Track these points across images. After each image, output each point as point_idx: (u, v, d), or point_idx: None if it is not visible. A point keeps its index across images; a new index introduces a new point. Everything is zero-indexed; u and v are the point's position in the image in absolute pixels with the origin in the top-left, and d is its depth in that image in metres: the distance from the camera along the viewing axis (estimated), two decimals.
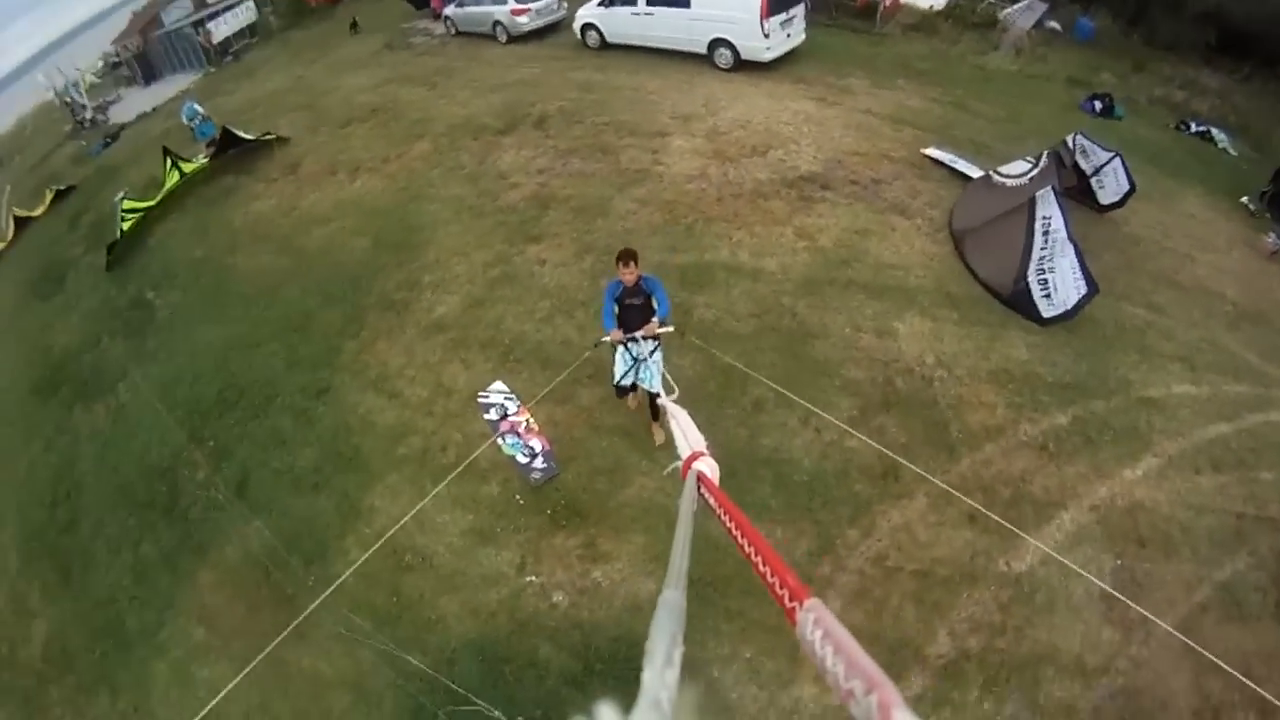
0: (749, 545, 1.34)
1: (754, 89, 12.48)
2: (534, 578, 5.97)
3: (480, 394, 7.24)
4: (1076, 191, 8.82)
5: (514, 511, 6.39)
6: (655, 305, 5.49)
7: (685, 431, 2.30)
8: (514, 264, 8.72)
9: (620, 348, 5.75)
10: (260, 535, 6.84)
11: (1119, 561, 5.81)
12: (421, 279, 8.87)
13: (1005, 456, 6.30)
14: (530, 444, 6.72)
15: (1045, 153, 8.30)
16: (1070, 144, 8.68)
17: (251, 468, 7.45)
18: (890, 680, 0.79)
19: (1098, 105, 13.07)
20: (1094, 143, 8.72)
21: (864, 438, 6.01)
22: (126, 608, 7.05)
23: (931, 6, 16.92)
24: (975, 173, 9.08)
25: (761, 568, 1.26)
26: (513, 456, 6.66)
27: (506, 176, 10.51)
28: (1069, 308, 7.17)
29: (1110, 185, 8.70)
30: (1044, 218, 7.49)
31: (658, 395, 5.67)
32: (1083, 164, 8.70)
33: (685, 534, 1.48)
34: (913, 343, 7.06)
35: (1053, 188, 7.58)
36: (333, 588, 5.16)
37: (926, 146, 9.94)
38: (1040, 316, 7.27)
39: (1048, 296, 7.26)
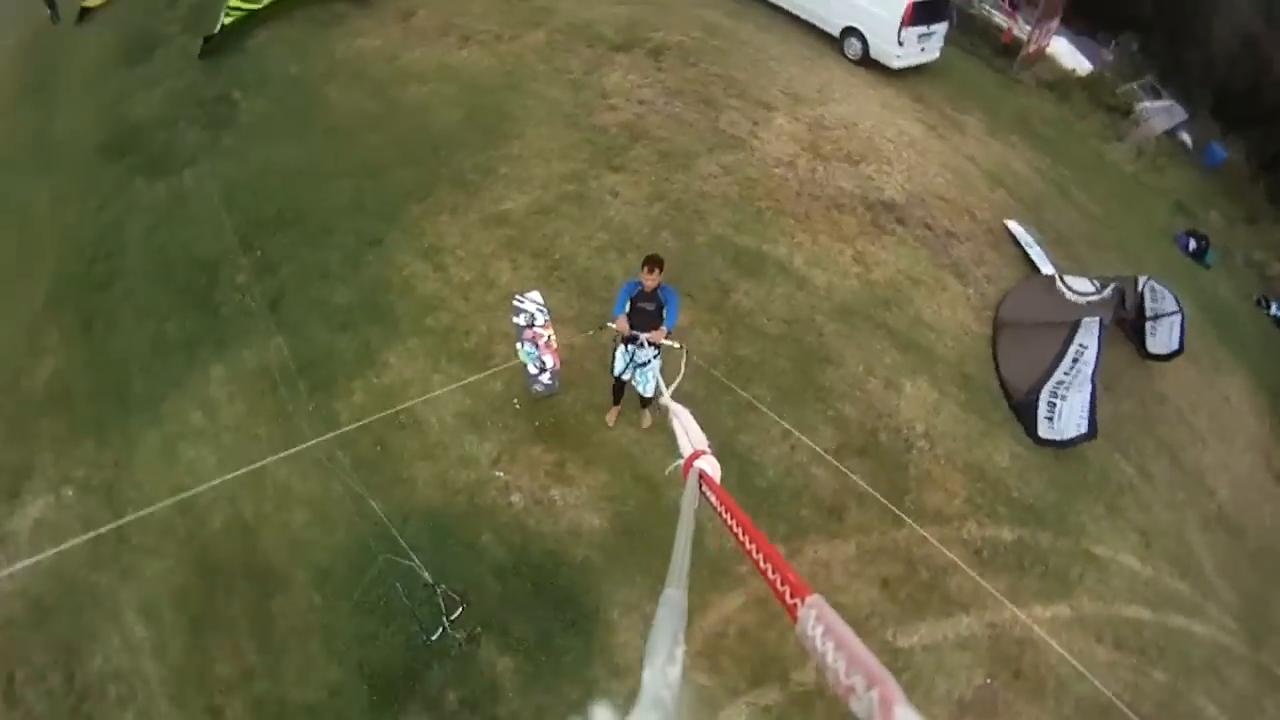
0: (750, 543, 1.40)
1: (871, 91, 12.20)
2: (502, 474, 6.63)
3: (517, 296, 7.67)
4: (1129, 328, 8.77)
5: (507, 412, 6.99)
6: (665, 315, 5.67)
7: (687, 430, 2.50)
8: (588, 186, 8.97)
9: (621, 346, 6.00)
10: (279, 351, 7.43)
11: (989, 680, 6.19)
12: (498, 169, 9.15)
13: (941, 543, 6.57)
14: (544, 358, 7.22)
15: (1112, 284, 8.29)
16: (1140, 285, 8.58)
17: (289, 289, 7.98)
18: (891, 676, 0.84)
19: (1192, 244, 12.59)
20: (1166, 289, 8.59)
21: (838, 465, 6.40)
22: (136, 373, 7.72)
23: (1074, 71, 16.15)
24: (1045, 266, 9.06)
25: (763, 565, 1.31)
26: (525, 364, 7.21)
27: (608, 96, 10.55)
28: (1064, 439, 7.33)
29: (1162, 337, 8.60)
30: (1080, 345, 7.67)
31: (650, 400, 6.09)
32: (1147, 303, 8.62)
33: (687, 533, 1.58)
34: (912, 406, 7.35)
35: (1101, 320, 7.69)
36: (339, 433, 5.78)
37: (1012, 217, 9.86)
38: (1036, 434, 7.44)
39: (1050, 420, 7.43)
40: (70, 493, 7.09)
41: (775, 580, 1.23)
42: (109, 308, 8.39)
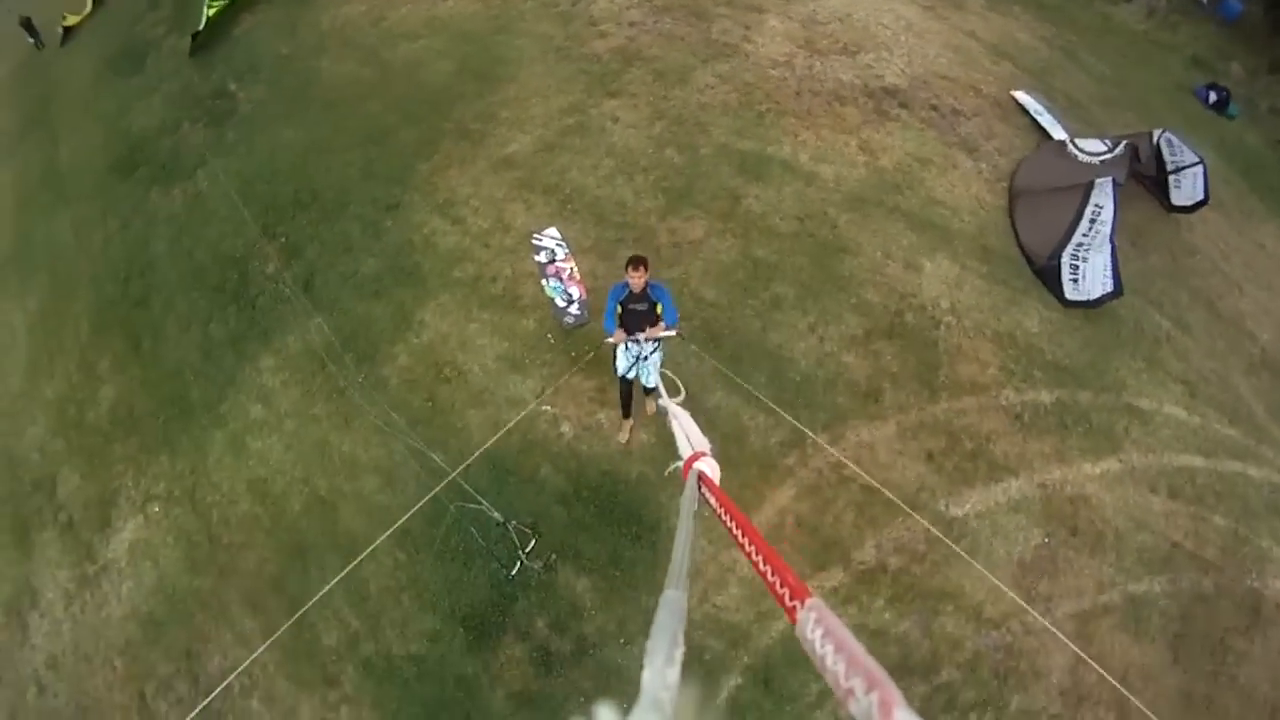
0: (750, 545, 1.39)
1: None
2: (549, 408, 6.95)
3: (535, 235, 7.87)
4: (1151, 183, 8.62)
5: (543, 348, 7.27)
6: (661, 312, 5.63)
7: (687, 432, 2.44)
8: (589, 115, 9.01)
9: (621, 346, 5.96)
10: (320, 331, 7.77)
11: (1047, 539, 6.36)
12: (499, 113, 9.23)
13: (980, 413, 6.80)
14: (570, 290, 7.46)
15: (1124, 142, 8.12)
16: (1154, 139, 8.37)
17: (318, 268, 8.27)
18: (891, 679, 0.82)
19: (1212, 96, 12.01)
20: (1183, 143, 8.38)
21: None
22: (191, 381, 8.13)
23: None
24: (1057, 132, 8.91)
25: (762, 567, 1.29)
26: (552, 299, 7.43)
27: (597, 24, 10.47)
28: (1092, 298, 7.37)
29: (1186, 188, 8.42)
30: (1096, 206, 7.62)
31: (653, 389, 6.09)
32: (1166, 157, 8.42)
33: (687, 534, 1.54)
34: (934, 283, 7.43)
35: (1114, 180, 7.60)
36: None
37: (1019, 88, 9.65)
38: (1064, 296, 7.49)
39: (1075, 281, 7.46)
40: (156, 509, 7.62)
41: (775, 582, 1.21)
42: (152, 323, 8.76)
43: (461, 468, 5.96)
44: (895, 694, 0.80)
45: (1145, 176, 8.55)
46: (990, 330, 7.24)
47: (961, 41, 10.32)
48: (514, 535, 6.54)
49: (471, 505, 6.61)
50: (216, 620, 7.02)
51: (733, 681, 6.03)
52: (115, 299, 9.20)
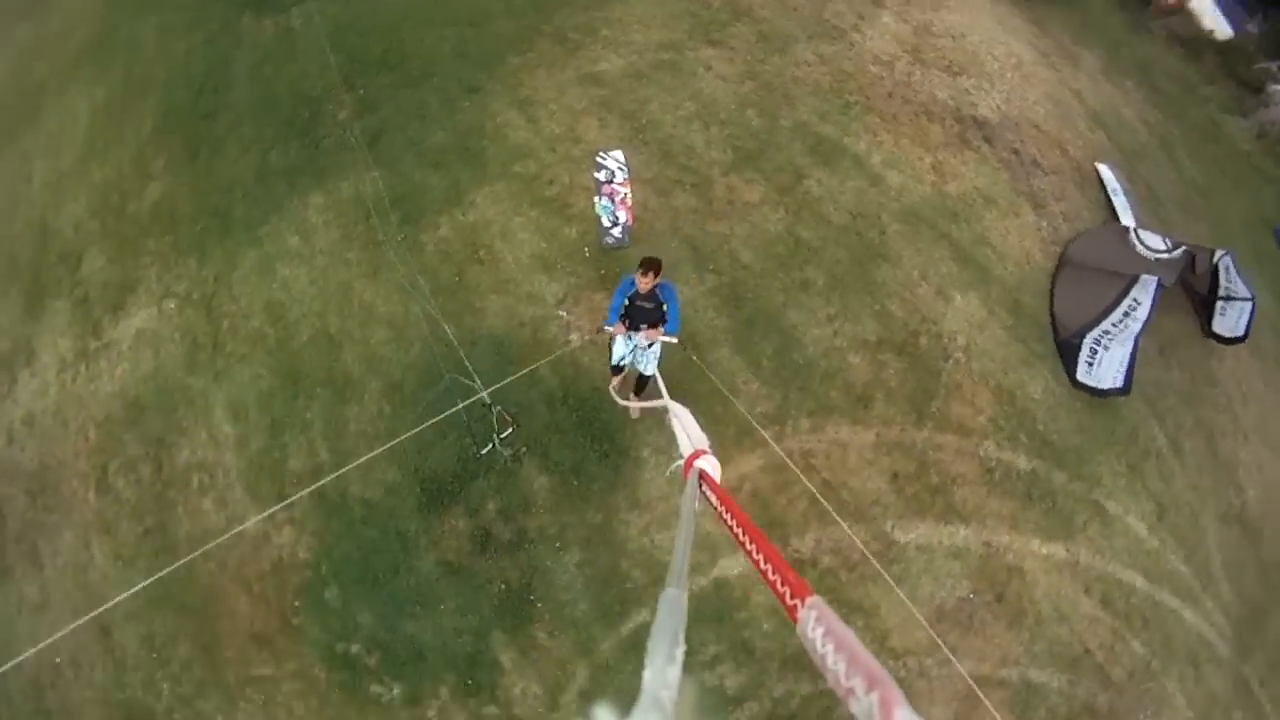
0: (751, 543, 1.38)
1: (989, 5, 11.65)
2: (565, 314, 7.20)
3: (600, 153, 8.01)
4: (1199, 301, 8.59)
5: (577, 258, 7.48)
6: (665, 314, 5.60)
7: (687, 430, 2.53)
8: (684, 56, 9.05)
9: (621, 337, 5.96)
10: (375, 185, 7.96)
11: (972, 596, 6.56)
12: (599, 30, 9.27)
13: (956, 454, 6.96)
14: (618, 214, 7.63)
15: (1185, 249, 8.08)
16: (1214, 258, 8.29)
17: (388, 127, 8.44)
18: (892, 679, 0.83)
19: None
20: (1240, 276, 8.27)
21: None
22: (239, 199, 8.37)
23: (1213, 32, 14.84)
24: (1126, 216, 8.87)
25: (763, 565, 1.29)
26: (599, 216, 7.61)
27: None
28: (1100, 387, 7.43)
29: (1230, 319, 8.36)
30: (1134, 300, 7.70)
31: (650, 378, 6.13)
32: (1221, 280, 8.36)
33: (687, 533, 1.57)
34: (958, 318, 7.54)
35: (1159, 281, 7.64)
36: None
37: (1106, 162, 9.59)
38: (1074, 376, 7.54)
39: (1090, 365, 7.52)
40: (172, 305, 7.94)
41: (775, 581, 1.21)
42: (215, 137, 8.97)
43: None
44: (896, 694, 0.80)
45: (1196, 292, 8.54)
46: (994, 381, 7.35)
47: (1064, 97, 10.22)
48: (495, 419, 6.83)
49: (465, 381, 6.90)
50: (197, 418, 7.38)
51: (642, 617, 6.36)
52: (184, 107, 9.40)
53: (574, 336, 7.10)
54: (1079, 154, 9.46)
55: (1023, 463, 7.08)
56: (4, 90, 11.29)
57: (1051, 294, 8.04)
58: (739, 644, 6.34)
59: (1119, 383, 7.39)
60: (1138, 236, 8.30)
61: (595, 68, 8.82)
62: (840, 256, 7.59)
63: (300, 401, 7.23)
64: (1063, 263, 8.28)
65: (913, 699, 6.00)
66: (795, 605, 1.10)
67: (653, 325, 5.60)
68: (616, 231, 7.50)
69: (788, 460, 6.19)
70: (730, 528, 1.53)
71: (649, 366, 6.00)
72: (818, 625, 1.00)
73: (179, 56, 10.05)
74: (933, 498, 6.74)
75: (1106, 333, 7.65)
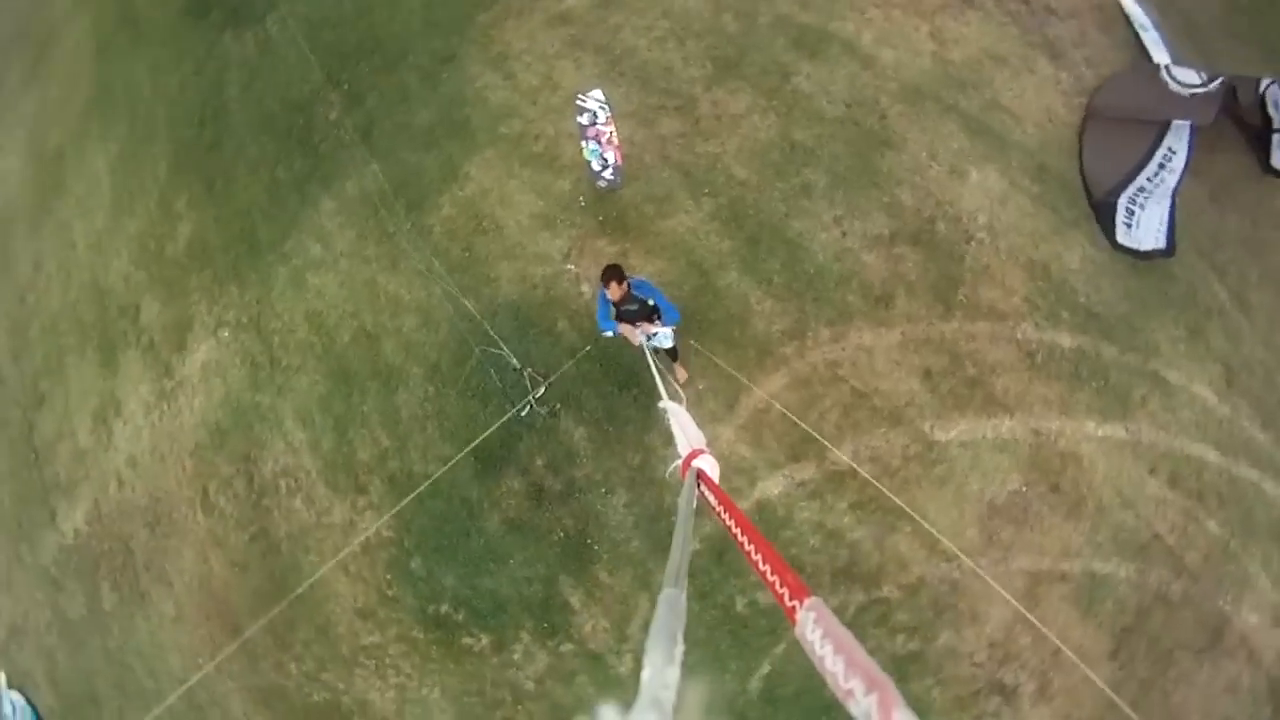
0: (749, 543, 1.39)
1: None
2: (573, 267, 7.31)
3: (579, 96, 7.84)
4: (1253, 138, 7.57)
5: (574, 209, 7.52)
6: (656, 308, 5.51)
7: (685, 429, 2.56)
8: None
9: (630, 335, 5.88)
10: (375, 178, 8.16)
11: (1024, 489, 6.25)
12: None
13: (991, 341, 6.60)
14: (606, 155, 7.54)
15: (1222, 79, 7.10)
16: (1261, 87, 7.30)
17: (377, 117, 8.54)
18: (891, 681, 0.82)
19: None
20: None
21: None
22: (259, 220, 8.73)
23: None
24: (1159, 53, 7.86)
25: (761, 566, 1.28)
26: (589, 161, 7.55)
27: None
28: (1141, 249, 6.83)
29: None
30: (1169, 150, 6.97)
31: (674, 349, 6.09)
32: (1271, 112, 7.38)
33: (685, 532, 1.58)
34: (977, 195, 7.08)
35: (1192, 125, 6.87)
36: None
37: None
38: (1114, 238, 6.95)
39: (1128, 225, 6.91)
40: (226, 334, 8.51)
41: (774, 582, 1.20)
42: (224, 165, 9.32)
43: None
44: (895, 695, 0.80)
45: (1248, 125, 7.55)
46: (1025, 257, 6.90)
47: None
48: (527, 381, 7.13)
49: (494, 350, 7.22)
50: (272, 431, 8.02)
51: (692, 546, 6.59)
52: (190, 142, 9.77)
53: (585, 288, 7.21)
54: None
55: (1067, 340, 6.64)
56: (27, 164, 11.96)
57: (1080, 151, 7.36)
58: (789, 560, 6.50)
59: (1161, 243, 6.77)
60: (1169, 74, 7.39)
61: (561, 5, 8.55)
62: (839, 152, 7.24)
63: (355, 398, 7.74)
64: (1089, 114, 7.53)
65: (971, 599, 6.05)
66: (794, 607, 1.10)
67: (648, 321, 5.69)
68: (608, 174, 7.44)
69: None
70: (729, 527, 1.52)
71: (666, 341, 6.06)
72: (816, 626, 1.01)
73: (174, 92, 10.39)
74: (971, 391, 6.51)
75: (1142, 189, 6.99)
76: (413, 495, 6.47)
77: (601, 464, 6.97)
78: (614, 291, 5.41)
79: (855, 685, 0.86)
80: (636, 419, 6.93)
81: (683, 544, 1.43)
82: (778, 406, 6.51)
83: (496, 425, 6.58)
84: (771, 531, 6.53)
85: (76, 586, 8.96)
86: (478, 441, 6.13)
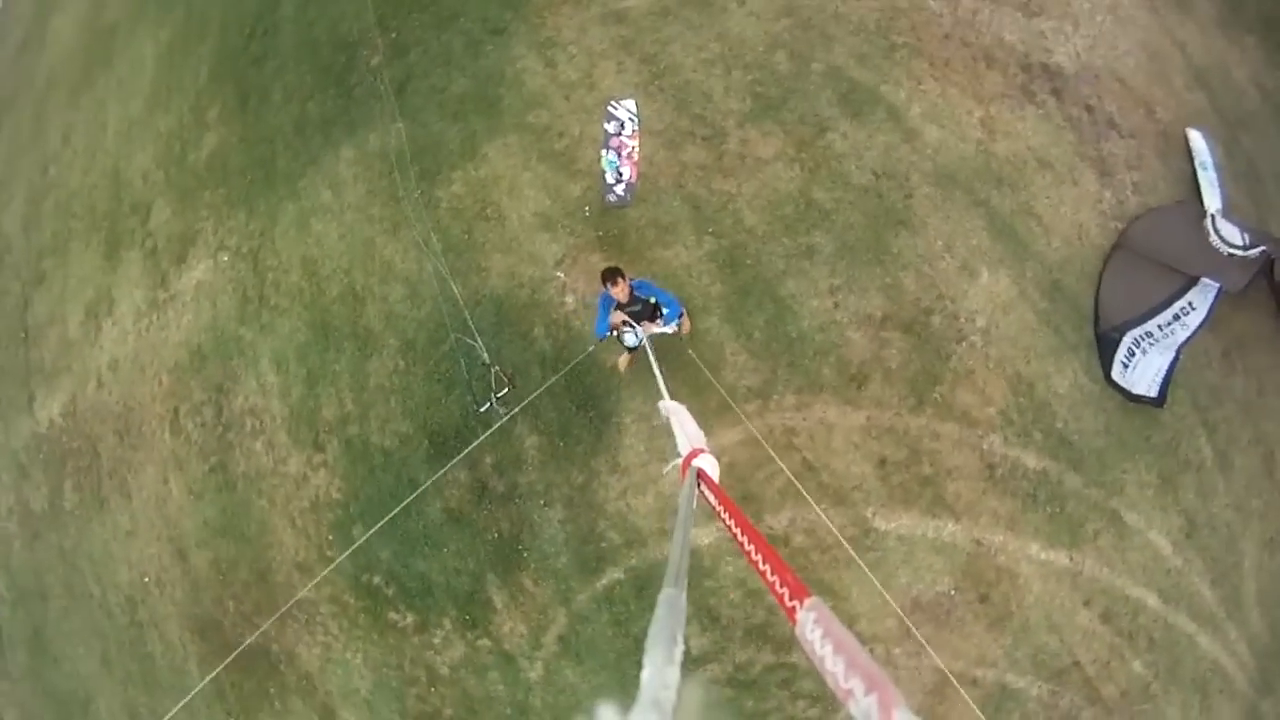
0: (749, 543, 1.39)
1: None
2: (562, 275, 7.24)
3: (612, 102, 7.71)
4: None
5: (578, 217, 7.41)
6: (661, 309, 5.55)
7: (684, 428, 2.49)
8: (711, 0, 8.25)
9: (628, 331, 5.91)
10: (398, 137, 8.05)
11: (953, 591, 6.27)
12: None
13: (956, 446, 6.49)
14: (622, 169, 7.42)
15: (1263, 249, 6.72)
16: None
17: (415, 74, 8.39)
18: (890, 681, 0.82)
19: None
20: None
21: None
22: (281, 150, 8.69)
23: None
24: (1211, 198, 7.39)
25: (761, 566, 1.28)
26: (604, 171, 7.43)
27: None
28: (1131, 391, 6.67)
29: None
30: (1188, 304, 6.72)
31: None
32: None
33: (685, 532, 1.54)
34: (981, 297, 6.84)
35: (1221, 287, 6.61)
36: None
37: (1200, 128, 7.87)
38: (1109, 373, 6.77)
39: (1126, 365, 6.72)
40: (225, 258, 8.56)
41: (774, 582, 1.20)
42: (263, 84, 9.23)
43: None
44: (895, 695, 0.81)
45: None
46: (1013, 369, 6.71)
47: (1164, 48, 8.52)
48: (493, 378, 7.13)
49: (469, 340, 7.22)
50: (248, 368, 8.16)
51: (615, 575, 6.61)
52: (236, 52, 9.68)
53: (569, 299, 7.15)
54: (1168, 117, 7.96)
55: (1032, 461, 6.54)
56: (81, 32, 12.00)
57: (1100, 277, 7.06)
58: (705, 609, 6.55)
59: (1153, 392, 6.61)
60: (1214, 224, 6.99)
61: (621, 3, 8.28)
62: (854, 221, 6.99)
63: (330, 355, 7.82)
64: (1120, 243, 7.17)
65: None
66: (794, 606, 1.11)
67: (651, 320, 5.76)
68: (619, 189, 7.32)
69: (758, 437, 6.04)
70: (729, 527, 1.51)
71: (670, 325, 6.13)
72: (816, 626, 1.02)
73: None
74: (921, 488, 6.43)
75: (1149, 334, 6.76)
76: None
77: (546, 476, 7.00)
78: (619, 291, 5.50)
79: (855, 685, 0.86)
80: (587, 440, 6.92)
81: (682, 544, 1.41)
82: (725, 460, 6.47)
83: (496, 425, 6.56)
84: (695, 580, 6.55)
85: (42, 479, 9.25)
86: (481, 437, 6.10)
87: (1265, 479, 7.05)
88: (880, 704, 0.81)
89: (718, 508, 1.64)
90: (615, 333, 5.90)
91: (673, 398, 3.29)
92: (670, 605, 1.15)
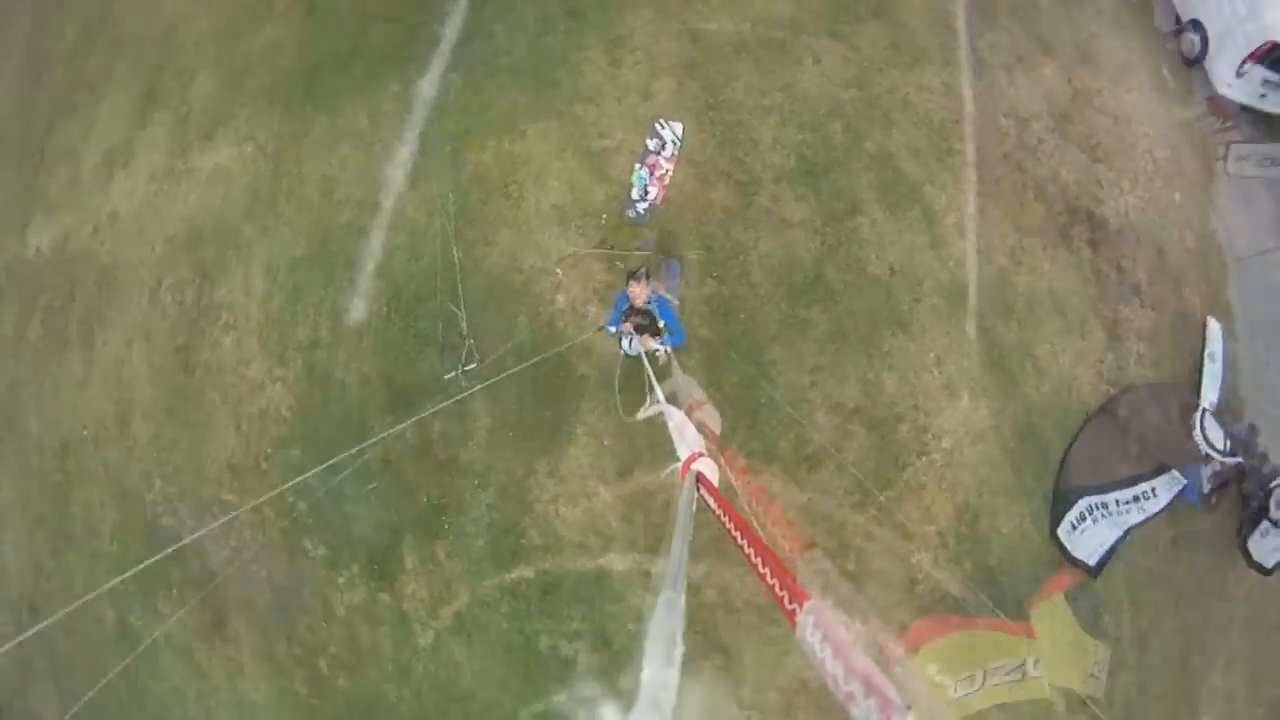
0: (749, 547, 1.41)
1: (1176, 105, 9.13)
2: (560, 273, 7.23)
3: (661, 120, 7.64)
4: (1248, 513, 7.31)
5: (593, 222, 7.38)
6: (664, 328, 5.56)
7: (683, 433, 2.56)
8: (797, 40, 8.01)
9: (625, 338, 5.96)
10: (447, 88, 7.93)
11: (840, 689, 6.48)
12: None
13: (885, 552, 6.59)
14: (650, 188, 7.39)
15: (1239, 461, 6.86)
16: (1274, 482, 7.04)
17: (483, 31, 8.17)
18: (890, 683, 0.84)
19: None
20: None
21: None
22: (332, 67, 8.44)
23: None
24: (1209, 390, 7.44)
25: (761, 569, 1.31)
26: (632, 185, 7.39)
27: None
28: (1070, 553, 6.79)
29: (1268, 548, 7.10)
30: (1150, 490, 6.84)
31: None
32: (1274, 511, 7.05)
33: (684, 535, 1.60)
34: (954, 419, 6.85)
35: (1187, 487, 6.74)
36: None
37: (1222, 321, 7.84)
38: (1055, 529, 6.86)
39: (1073, 528, 6.80)
40: (249, 150, 8.41)
41: (774, 585, 1.21)
42: None
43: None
44: (895, 698, 0.81)
45: (1251, 500, 7.27)
46: (963, 498, 6.76)
47: (1211, 231, 8.46)
48: (466, 350, 7.15)
49: (453, 307, 7.22)
50: (239, 263, 8.08)
51: (525, 572, 6.68)
52: None
53: (560, 297, 7.15)
54: (1195, 299, 7.91)
55: (956, 589, 6.63)
56: None
57: (1075, 436, 7.10)
58: (600, 630, 6.63)
59: (1091, 560, 6.75)
60: (1202, 421, 7.10)
61: (701, 24, 8.15)
62: (857, 309, 6.99)
63: (319, 277, 7.79)
64: (1106, 408, 7.22)
65: None
66: (794, 610, 1.10)
67: (650, 335, 5.76)
68: (641, 207, 7.29)
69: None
70: (728, 530, 1.51)
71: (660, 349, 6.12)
72: (816, 630, 1.01)
73: None
74: (844, 587, 6.48)
75: (1105, 506, 6.84)
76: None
77: (488, 459, 7.05)
78: (636, 295, 5.56)
79: (855, 687, 0.85)
80: (538, 438, 6.96)
81: (681, 547, 1.43)
82: (661, 499, 6.52)
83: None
84: (600, 600, 6.67)
85: (14, 304, 9.25)
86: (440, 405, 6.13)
87: (1177, 668, 7.18)
88: (880, 707, 0.80)
89: (717, 510, 1.68)
90: (618, 334, 5.98)
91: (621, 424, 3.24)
92: (669, 607, 1.19)
